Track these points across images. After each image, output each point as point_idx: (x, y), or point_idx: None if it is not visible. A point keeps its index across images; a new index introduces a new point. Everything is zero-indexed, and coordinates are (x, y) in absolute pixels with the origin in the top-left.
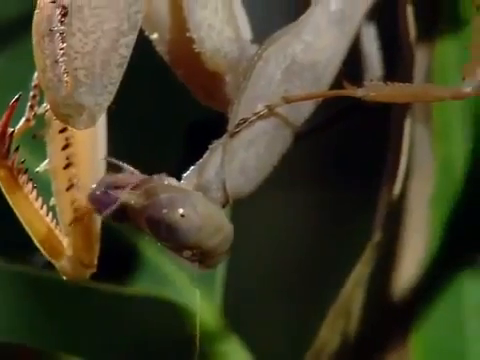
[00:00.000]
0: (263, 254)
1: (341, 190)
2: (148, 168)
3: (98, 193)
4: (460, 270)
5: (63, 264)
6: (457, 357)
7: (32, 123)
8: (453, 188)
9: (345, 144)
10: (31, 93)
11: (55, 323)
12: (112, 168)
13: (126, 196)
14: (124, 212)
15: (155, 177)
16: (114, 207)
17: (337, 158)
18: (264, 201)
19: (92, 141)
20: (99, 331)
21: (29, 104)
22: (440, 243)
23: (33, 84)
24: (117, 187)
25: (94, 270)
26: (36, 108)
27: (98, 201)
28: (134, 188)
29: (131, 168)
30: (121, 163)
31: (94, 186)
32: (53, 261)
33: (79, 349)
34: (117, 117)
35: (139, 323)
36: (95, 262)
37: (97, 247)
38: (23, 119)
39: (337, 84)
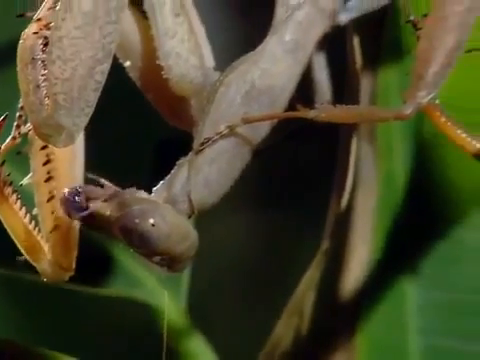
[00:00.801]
0: (224, 260)
1: (295, 201)
2: (121, 182)
3: (69, 198)
4: (401, 274)
5: (44, 267)
6: (399, 353)
7: (18, 141)
8: (394, 200)
9: (297, 162)
10: (17, 114)
11: (35, 321)
12: (89, 182)
13: (100, 206)
14: (99, 221)
15: (127, 190)
16: (84, 213)
17: (291, 175)
18: (224, 214)
19: (70, 157)
20: (74, 328)
21: (15, 124)
22: (383, 249)
23: (19, 106)
24: (90, 197)
25: (72, 273)
26: (22, 127)
27: (68, 204)
28: (107, 200)
29: (106, 182)
30: (97, 177)
31: (67, 191)
32: (35, 264)
33: (55, 345)
34: (93, 136)
35: (112, 321)
36: (73, 266)
37: (75, 252)
38: (10, 137)
39: (291, 106)
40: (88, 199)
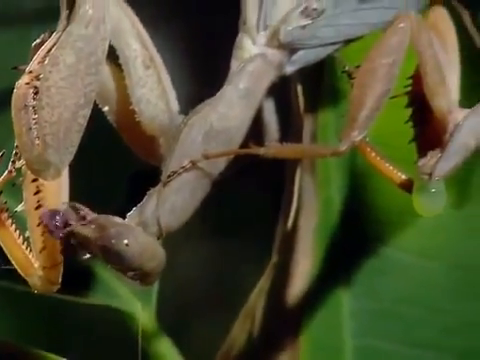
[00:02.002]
0: (187, 274)
1: (249, 223)
2: (101, 208)
3: (50, 218)
4: (337, 284)
5: (35, 281)
6: (335, 352)
7: (13, 174)
8: (332, 222)
9: (250, 192)
10: (13, 152)
11: (27, 325)
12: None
13: (80, 228)
14: (80, 241)
15: (106, 216)
16: (62, 232)
17: (245, 202)
18: (187, 236)
19: (57, 188)
20: (60, 332)
21: (11, 160)
22: (322, 263)
23: (15, 145)
24: (68, 220)
25: (59, 286)
26: (16, 163)
27: (49, 224)
28: (88, 223)
29: (85, 208)
30: (78, 204)
31: (48, 212)
32: (27, 278)
33: (43, 346)
34: (77, 169)
35: (93, 326)
36: (59, 280)
37: (61, 268)
38: (6, 171)
39: (245, 144)
40: (67, 221)
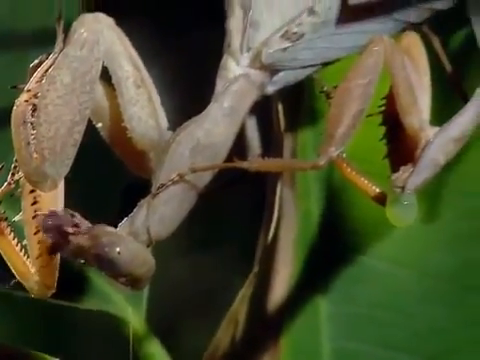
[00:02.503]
0: (176, 281)
1: (233, 234)
2: (95, 218)
3: (50, 223)
4: (315, 291)
5: (31, 285)
6: (314, 354)
7: (12, 186)
8: (310, 233)
9: (233, 204)
10: (12, 165)
11: (23, 328)
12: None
13: (77, 239)
14: (75, 249)
15: (99, 225)
16: (64, 242)
17: (229, 214)
18: (175, 246)
19: (53, 199)
20: (56, 335)
21: (11, 172)
22: (301, 272)
23: (14, 159)
24: (64, 228)
25: (54, 291)
26: (15, 175)
27: (48, 228)
28: (83, 233)
29: (82, 218)
30: (74, 213)
31: (50, 222)
32: (24, 283)
33: (41, 348)
34: (72, 182)
35: (87, 329)
36: (55, 285)
37: (56, 274)
38: (6, 183)
39: (229, 158)
40: (62, 224)
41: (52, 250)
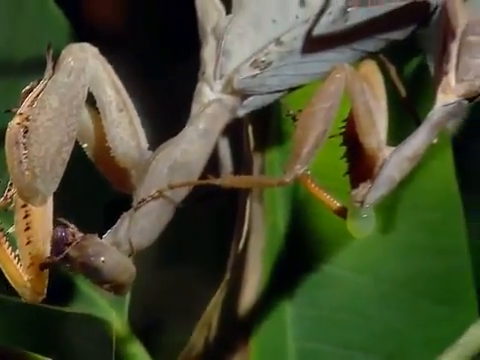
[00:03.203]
0: (155, 288)
1: (207, 244)
2: (81, 230)
3: (59, 239)
4: (282, 296)
5: (24, 291)
6: (280, 354)
7: (8, 201)
8: (277, 243)
9: (207, 217)
10: (8, 182)
11: (16, 330)
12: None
13: (70, 250)
14: (65, 258)
15: (88, 235)
16: (63, 252)
17: (203, 226)
18: (153, 255)
19: (43, 213)
20: (46, 336)
21: (7, 189)
22: (269, 279)
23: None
24: (67, 241)
25: (44, 296)
26: (11, 192)
27: (57, 242)
28: (78, 243)
29: (75, 228)
30: (67, 222)
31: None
32: (17, 289)
33: (31, 348)
34: (61, 197)
35: (74, 331)
36: (45, 291)
37: (46, 281)
38: (2, 198)
39: (203, 176)
40: (67, 239)
41: (49, 260)
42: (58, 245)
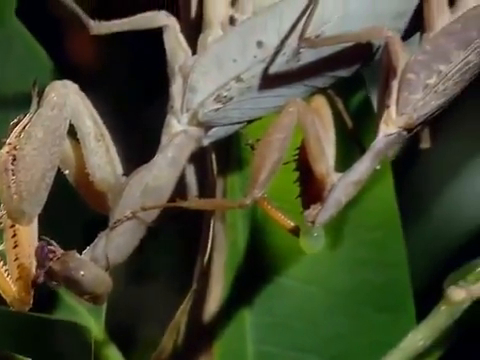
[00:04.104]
0: (129, 298)
1: (177, 259)
2: (62, 246)
3: (42, 254)
4: (242, 304)
5: (12, 301)
6: (241, 356)
7: (1, 221)
8: (237, 259)
9: (175, 235)
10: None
11: (5, 334)
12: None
13: (53, 264)
14: (49, 272)
15: (69, 252)
16: (47, 266)
17: (171, 243)
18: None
19: (29, 232)
20: (30, 341)
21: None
22: (230, 289)
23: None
24: (50, 257)
25: (30, 305)
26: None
27: (41, 257)
28: (59, 259)
29: (56, 245)
30: (49, 240)
31: (40, 250)
32: (6, 299)
33: (16, 351)
34: (44, 217)
35: (57, 336)
36: (31, 301)
37: (32, 292)
38: None
39: (172, 199)
40: (48, 255)
41: (36, 277)
42: (42, 261)
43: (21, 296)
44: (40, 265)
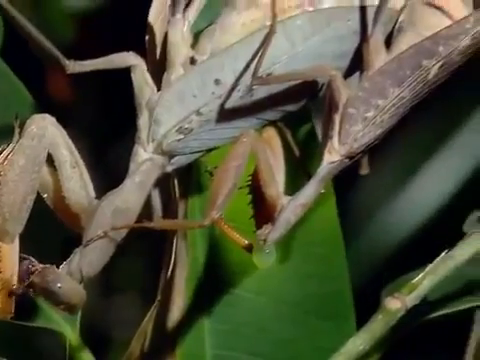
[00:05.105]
0: (101, 306)
1: (143, 273)
2: (42, 261)
3: (24, 267)
4: (201, 313)
5: None
6: (200, 358)
7: None
8: (197, 273)
9: (141, 252)
10: None
11: None
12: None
13: (32, 277)
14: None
15: (47, 266)
16: (27, 279)
17: (138, 259)
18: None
19: (12, 249)
20: (12, 346)
21: None
22: (191, 300)
23: None
24: (31, 271)
25: (12, 314)
26: None
27: (22, 272)
28: (38, 273)
29: (35, 261)
30: (32, 259)
31: (24, 266)
32: None
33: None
34: (25, 236)
35: (35, 341)
36: (13, 310)
37: (13, 303)
38: None
39: (139, 220)
40: (29, 270)
41: (17, 289)
42: (23, 274)
43: (3, 306)
44: (21, 280)
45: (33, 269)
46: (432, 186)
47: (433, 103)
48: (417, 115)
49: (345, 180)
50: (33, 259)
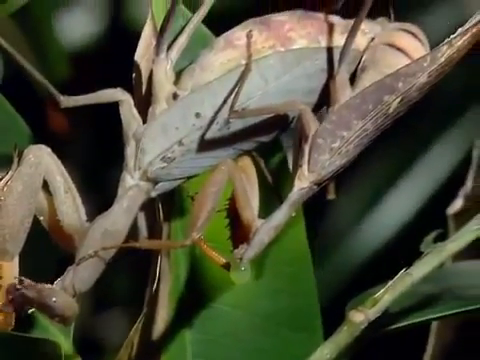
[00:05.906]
0: (92, 319)
1: (130, 288)
2: (39, 279)
3: (13, 290)
4: (183, 325)
5: None
6: None
7: None
8: (180, 289)
9: (128, 269)
10: None
11: None
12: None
13: (28, 293)
14: (26, 300)
15: (42, 284)
16: (19, 298)
17: (124, 276)
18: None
19: (12, 267)
20: (11, 355)
21: None
22: (174, 312)
23: None
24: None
25: (12, 326)
26: None
27: (14, 295)
28: (32, 289)
29: (29, 281)
30: (25, 279)
31: (15, 286)
32: None
33: None
34: (24, 255)
35: (32, 350)
36: (13, 323)
37: (13, 316)
38: None
39: (127, 240)
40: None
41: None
42: (11, 291)
43: (4, 319)
44: (7, 295)
45: (28, 286)
46: (393, 210)
47: (393, 134)
48: (379, 145)
49: (314, 205)
50: (24, 279)
